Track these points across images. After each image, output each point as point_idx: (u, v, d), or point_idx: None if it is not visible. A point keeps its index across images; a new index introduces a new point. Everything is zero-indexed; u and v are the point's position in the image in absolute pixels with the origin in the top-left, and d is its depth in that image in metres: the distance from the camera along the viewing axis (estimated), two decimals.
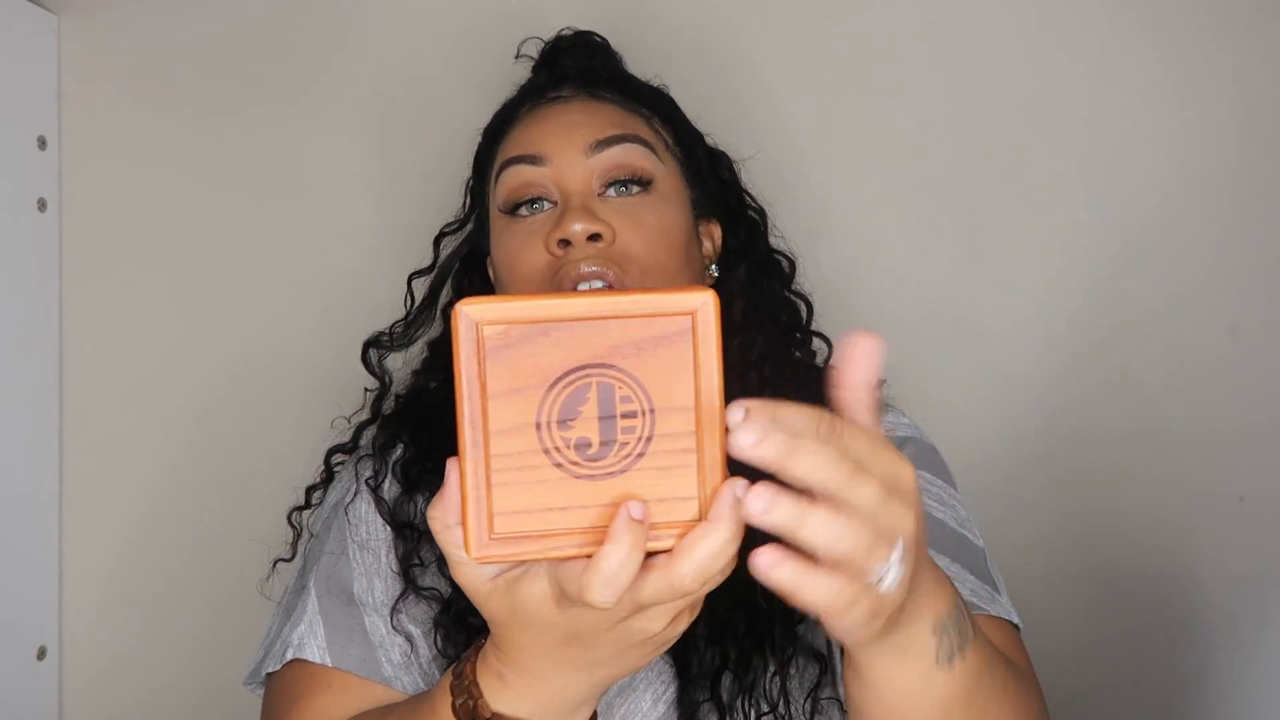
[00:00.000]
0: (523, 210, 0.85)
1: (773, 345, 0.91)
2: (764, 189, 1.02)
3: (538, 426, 0.49)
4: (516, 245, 0.84)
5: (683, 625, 0.56)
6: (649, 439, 0.50)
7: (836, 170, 1.18)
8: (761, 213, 0.99)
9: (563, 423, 0.49)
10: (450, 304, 0.97)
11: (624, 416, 0.50)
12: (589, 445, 0.50)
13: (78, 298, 1.24)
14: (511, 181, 0.85)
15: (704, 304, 0.49)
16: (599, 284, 0.79)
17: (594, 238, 0.81)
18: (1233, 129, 1.13)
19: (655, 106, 0.91)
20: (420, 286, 0.98)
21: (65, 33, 1.24)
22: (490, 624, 0.58)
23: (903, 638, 0.55)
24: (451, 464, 0.52)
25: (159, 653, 1.24)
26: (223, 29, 1.23)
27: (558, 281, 0.81)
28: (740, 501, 0.49)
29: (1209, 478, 1.14)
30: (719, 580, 0.51)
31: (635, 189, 0.85)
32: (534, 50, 1.00)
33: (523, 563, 0.53)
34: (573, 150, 0.84)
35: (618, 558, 0.49)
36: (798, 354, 0.95)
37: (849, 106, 1.18)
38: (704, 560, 0.50)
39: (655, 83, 0.96)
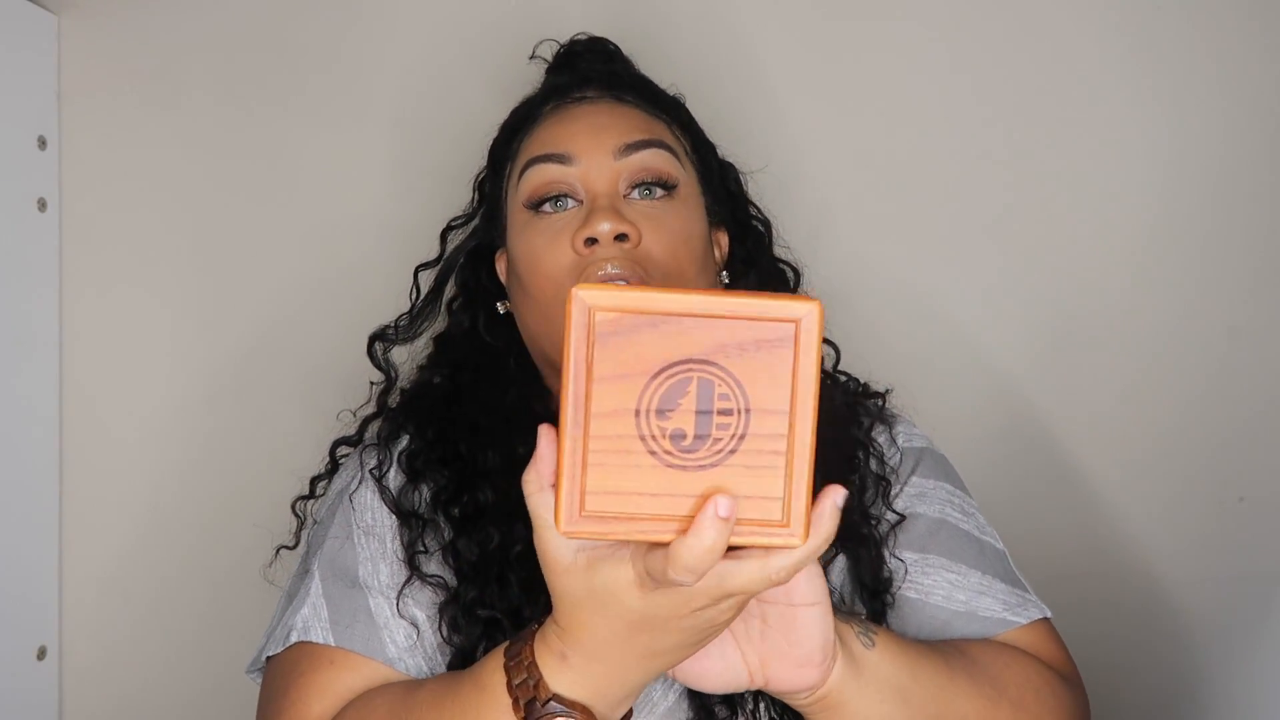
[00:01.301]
0: (546, 207, 0.85)
1: None
2: (768, 200, 1.03)
3: (637, 414, 0.51)
4: (541, 242, 0.84)
5: (737, 615, 0.59)
6: (742, 437, 0.52)
7: (836, 181, 1.18)
8: (767, 224, 1.01)
9: (661, 412, 0.51)
10: (455, 299, 0.98)
11: (720, 413, 0.51)
12: (684, 437, 0.52)
13: (78, 298, 1.24)
14: (537, 179, 0.86)
15: (809, 313, 0.51)
16: (622, 284, 0.79)
17: (621, 238, 0.81)
18: (1233, 130, 1.14)
19: (675, 114, 0.92)
20: (426, 279, 0.99)
21: (65, 33, 1.24)
22: (558, 601, 0.59)
23: (850, 656, 0.66)
24: (547, 430, 0.54)
25: (159, 653, 1.24)
26: (223, 28, 1.23)
27: (582, 280, 0.81)
28: (839, 509, 0.54)
29: (1209, 478, 1.14)
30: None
31: (660, 192, 0.85)
32: (547, 53, 1.00)
33: (607, 541, 0.56)
34: (601, 151, 0.85)
35: (700, 549, 0.51)
36: None
37: (850, 117, 1.18)
38: (800, 560, 0.54)
39: (672, 91, 0.96)
